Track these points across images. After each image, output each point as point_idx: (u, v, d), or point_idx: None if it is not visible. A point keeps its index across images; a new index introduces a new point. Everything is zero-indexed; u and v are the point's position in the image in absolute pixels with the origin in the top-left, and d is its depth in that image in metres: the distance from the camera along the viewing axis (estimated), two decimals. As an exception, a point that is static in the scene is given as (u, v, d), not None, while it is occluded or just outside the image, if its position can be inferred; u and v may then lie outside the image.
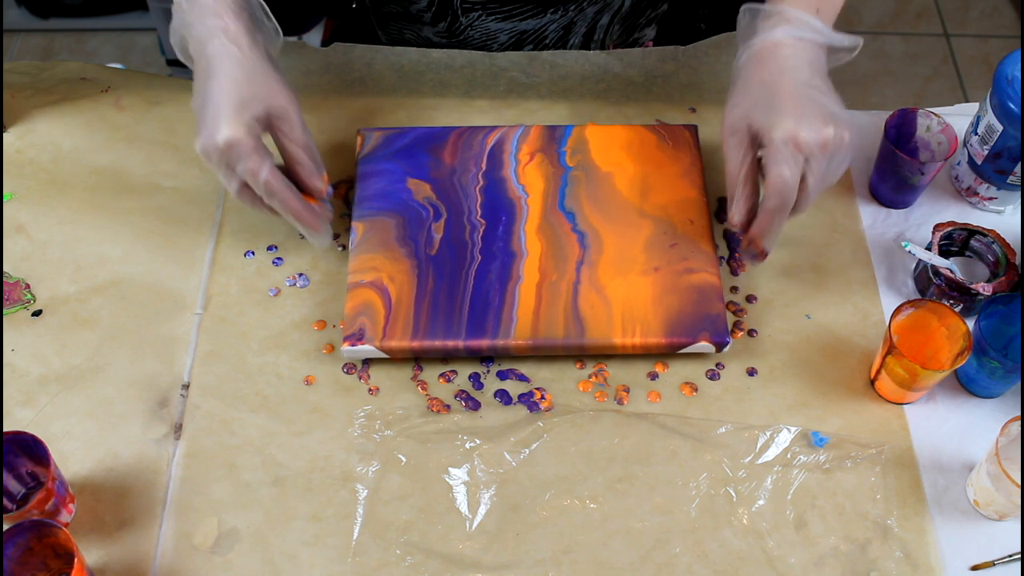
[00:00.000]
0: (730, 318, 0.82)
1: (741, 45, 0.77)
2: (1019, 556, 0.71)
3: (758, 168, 0.75)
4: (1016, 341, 0.78)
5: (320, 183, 0.78)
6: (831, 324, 0.82)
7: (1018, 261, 0.82)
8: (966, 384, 0.79)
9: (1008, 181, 0.86)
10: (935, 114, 0.86)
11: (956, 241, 0.84)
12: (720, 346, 0.78)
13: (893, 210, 0.89)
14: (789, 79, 0.72)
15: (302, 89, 0.95)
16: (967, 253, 0.85)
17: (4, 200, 0.88)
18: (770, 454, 0.75)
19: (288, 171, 0.77)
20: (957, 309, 0.81)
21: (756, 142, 0.73)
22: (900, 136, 0.88)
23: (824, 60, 0.76)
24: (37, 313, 0.82)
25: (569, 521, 0.72)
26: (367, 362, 0.80)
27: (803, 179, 0.72)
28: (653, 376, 0.79)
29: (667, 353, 0.79)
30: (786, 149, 0.70)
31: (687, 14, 1.03)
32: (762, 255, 0.77)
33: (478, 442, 0.75)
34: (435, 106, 0.95)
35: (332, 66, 0.95)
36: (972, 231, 0.83)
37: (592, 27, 0.97)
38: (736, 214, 0.76)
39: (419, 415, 0.77)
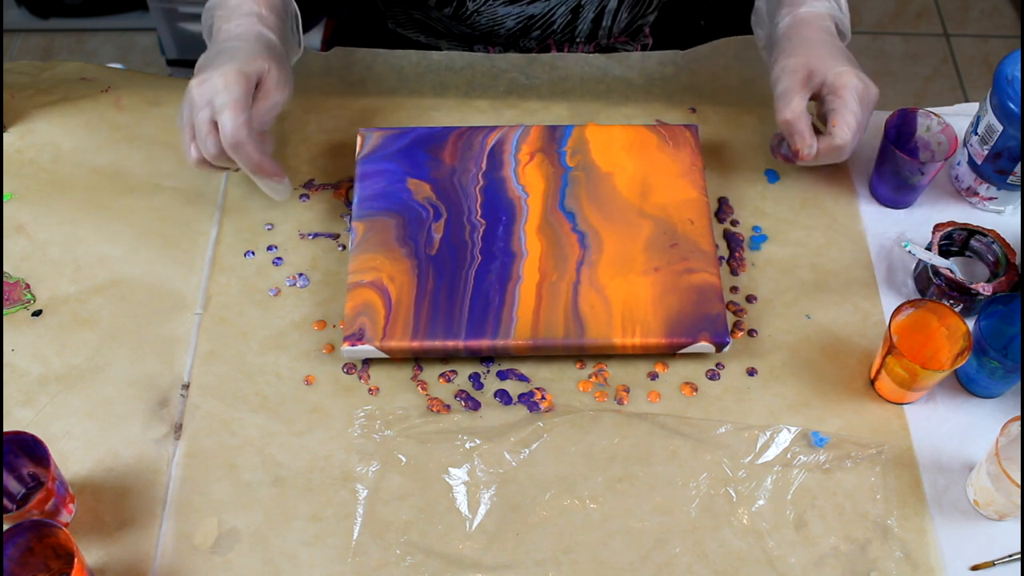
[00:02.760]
0: (730, 318, 0.82)
1: (782, 11, 0.86)
2: (1019, 556, 0.71)
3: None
4: (1016, 341, 0.78)
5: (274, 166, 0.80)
6: (831, 324, 0.82)
7: (1018, 261, 0.82)
8: (966, 384, 0.79)
9: (1008, 181, 0.86)
10: (935, 114, 0.86)
11: (956, 241, 0.84)
12: (720, 346, 0.78)
13: (893, 210, 0.89)
14: (837, 42, 0.84)
15: (303, 91, 0.95)
16: (967, 253, 0.85)
17: (4, 200, 0.88)
18: (770, 454, 0.75)
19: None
20: (957, 309, 0.80)
21: (813, 83, 0.81)
22: (900, 136, 0.88)
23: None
24: (37, 313, 0.82)
25: (569, 521, 0.72)
26: (367, 362, 0.80)
27: None
28: (653, 376, 0.79)
29: (667, 353, 0.79)
30: (857, 97, 0.80)
31: (689, 3, 1.04)
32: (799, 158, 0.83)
33: (478, 442, 0.75)
34: (435, 107, 0.95)
35: (333, 69, 0.95)
36: (972, 231, 0.83)
37: (600, 11, 0.96)
38: (804, 148, 0.81)
39: (419, 415, 0.77)
